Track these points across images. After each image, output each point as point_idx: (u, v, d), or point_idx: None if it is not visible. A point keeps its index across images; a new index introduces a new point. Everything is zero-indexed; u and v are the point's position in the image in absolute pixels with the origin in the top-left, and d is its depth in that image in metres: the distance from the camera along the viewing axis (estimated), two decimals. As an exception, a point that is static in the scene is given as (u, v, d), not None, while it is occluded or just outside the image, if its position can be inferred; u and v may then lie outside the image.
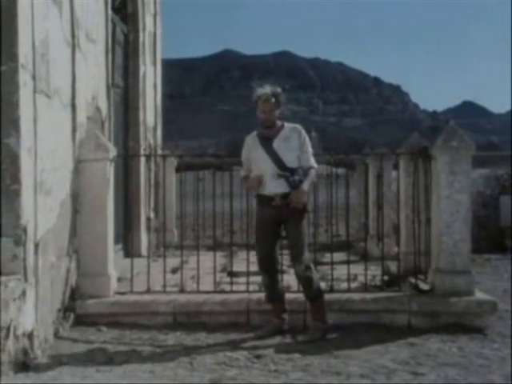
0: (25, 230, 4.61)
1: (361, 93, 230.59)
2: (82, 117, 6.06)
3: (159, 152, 9.64)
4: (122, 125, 8.60)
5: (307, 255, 5.41)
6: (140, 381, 4.28)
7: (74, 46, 5.82)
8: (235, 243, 7.11)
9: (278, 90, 5.52)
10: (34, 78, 4.80)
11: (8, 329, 4.28)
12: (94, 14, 6.56)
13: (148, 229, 8.33)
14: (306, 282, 5.34)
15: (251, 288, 6.00)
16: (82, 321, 5.65)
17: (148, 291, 5.96)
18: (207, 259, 6.36)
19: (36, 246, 4.81)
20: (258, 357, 4.79)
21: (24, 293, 4.56)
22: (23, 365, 4.46)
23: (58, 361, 4.67)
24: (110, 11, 7.21)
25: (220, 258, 6.97)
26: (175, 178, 10.26)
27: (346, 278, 6.15)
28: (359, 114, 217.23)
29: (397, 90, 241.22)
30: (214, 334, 5.42)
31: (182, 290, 5.99)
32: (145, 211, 8.95)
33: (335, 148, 8.21)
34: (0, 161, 4.54)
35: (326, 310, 5.43)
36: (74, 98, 5.82)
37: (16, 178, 4.56)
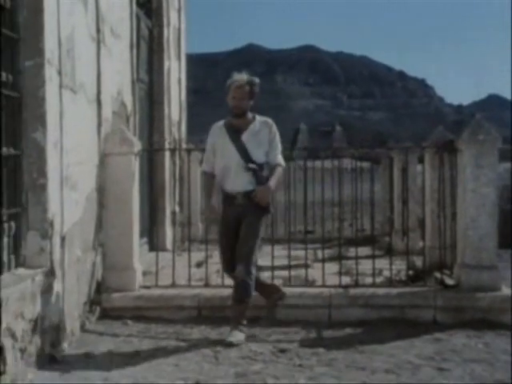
0: (51, 224, 4.65)
1: (385, 86, 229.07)
2: (107, 111, 6.09)
3: (184, 146, 9.67)
4: (147, 119, 8.64)
5: (255, 258, 5.10)
6: (165, 374, 4.31)
7: (99, 42, 5.85)
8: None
9: (256, 80, 5.22)
10: (59, 73, 4.84)
11: (35, 321, 4.34)
12: (118, 9, 6.59)
13: (173, 223, 8.36)
14: (241, 284, 5.04)
15: (276, 282, 5.99)
16: (107, 314, 5.70)
17: (173, 285, 5.98)
18: (232, 253, 6.35)
19: (62, 239, 4.85)
20: (282, 351, 4.80)
21: (51, 286, 4.61)
22: (50, 357, 4.51)
23: (84, 353, 4.72)
24: (134, 6, 7.23)
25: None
26: (200, 172, 10.28)
27: (370, 272, 6.13)
28: (384, 108, 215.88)
29: (422, 83, 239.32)
30: (240, 328, 5.42)
31: (206, 284, 6.01)
32: (170, 205, 8.99)
33: (360, 142, 8.16)
34: (27, 155, 4.59)
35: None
36: (99, 92, 5.86)
37: (42, 173, 4.60)
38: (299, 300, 5.76)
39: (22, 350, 4.14)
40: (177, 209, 9.38)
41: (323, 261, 6.24)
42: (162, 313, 5.70)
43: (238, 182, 5.06)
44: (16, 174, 4.54)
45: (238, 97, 5.11)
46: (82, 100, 5.41)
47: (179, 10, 10.21)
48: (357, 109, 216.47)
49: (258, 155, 5.09)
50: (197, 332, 5.37)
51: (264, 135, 5.16)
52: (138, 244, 6.18)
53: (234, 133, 5.13)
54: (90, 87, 5.65)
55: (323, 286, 5.95)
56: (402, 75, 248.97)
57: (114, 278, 5.88)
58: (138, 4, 7.76)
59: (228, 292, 5.80)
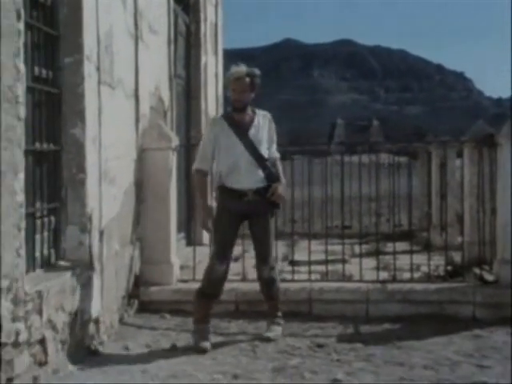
0: (90, 219, 4.71)
1: (423, 80, 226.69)
2: (145, 107, 6.14)
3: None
4: (184, 115, 8.68)
5: (273, 255, 5.12)
6: (203, 368, 4.33)
7: (137, 38, 5.90)
8: (296, 232, 7.11)
9: (256, 71, 5.00)
10: (98, 69, 4.89)
11: (75, 314, 4.40)
12: (156, 5, 6.63)
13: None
14: (269, 283, 5.04)
15: (313, 277, 6.00)
16: (145, 308, 5.76)
17: (210, 279, 6.00)
18: (268, 248, 6.36)
19: (101, 233, 4.91)
20: (320, 346, 4.79)
21: (90, 279, 4.67)
22: (90, 349, 4.57)
23: (123, 346, 4.78)
24: (172, 2, 7.27)
25: (281, 246, 6.96)
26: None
27: (408, 267, 6.08)
28: (421, 102, 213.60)
29: (460, 76, 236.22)
30: (276, 323, 5.43)
31: (243, 279, 6.03)
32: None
33: (397, 136, 8.10)
34: (66, 151, 4.65)
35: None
36: (137, 88, 5.91)
37: (81, 168, 4.66)
38: (336, 295, 5.74)
39: (63, 342, 4.21)
40: (213, 203, 9.41)
41: (360, 256, 6.21)
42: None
43: (250, 179, 4.85)
44: (56, 170, 4.61)
45: (238, 89, 4.88)
46: (120, 95, 5.46)
47: (216, 5, 10.23)
48: (394, 103, 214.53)
49: (264, 150, 4.94)
50: (234, 326, 5.39)
51: (266, 129, 5.00)
52: (175, 238, 6.23)
53: (239, 128, 4.91)
54: (128, 83, 5.71)
55: (361, 281, 5.93)
56: (440, 68, 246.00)
57: (151, 272, 5.93)
58: (176, 0, 7.79)
59: (265, 287, 5.82)
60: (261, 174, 4.87)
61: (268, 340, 4.88)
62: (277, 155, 5.06)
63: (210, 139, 4.97)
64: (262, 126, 4.97)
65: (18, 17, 3.60)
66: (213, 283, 4.89)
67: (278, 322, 5.08)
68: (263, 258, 4.99)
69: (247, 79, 4.87)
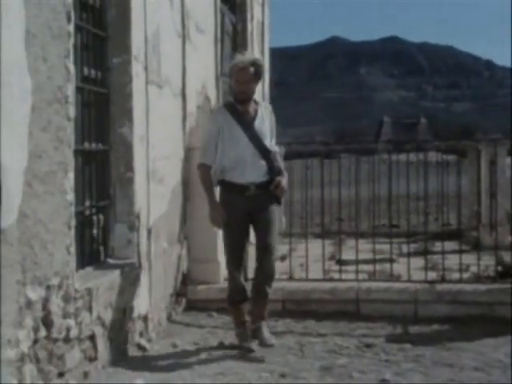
0: (138, 217, 4.76)
1: (472, 76, 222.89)
2: (191, 106, 6.18)
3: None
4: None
5: (277, 247, 4.79)
6: (250, 366, 4.34)
7: (184, 37, 5.94)
8: (343, 231, 7.07)
9: (261, 60, 4.85)
10: (146, 69, 4.94)
11: (124, 311, 4.45)
12: (203, 5, 6.67)
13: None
14: (270, 277, 4.68)
15: (360, 276, 5.95)
16: (193, 306, 5.79)
17: (257, 278, 6.00)
18: (315, 247, 6.35)
19: (149, 232, 4.96)
20: (368, 346, 4.75)
21: (138, 277, 4.72)
22: (139, 346, 4.62)
23: (171, 343, 4.81)
24: (218, 2, 7.30)
25: (328, 245, 6.94)
26: (283, 166, 10.28)
27: (457, 267, 5.97)
28: (470, 99, 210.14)
29: (510, 72, 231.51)
30: (323, 322, 5.40)
31: (290, 278, 6.02)
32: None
33: (445, 134, 7.97)
34: (114, 150, 4.71)
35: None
36: (184, 87, 5.95)
37: (130, 166, 4.71)
38: (384, 295, 5.69)
39: (112, 339, 4.26)
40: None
41: (408, 255, 6.14)
42: (246, 305, 5.73)
43: (253, 172, 4.62)
44: (104, 168, 4.67)
45: (242, 80, 4.59)
46: (167, 95, 5.50)
47: (263, 4, 10.23)
48: (442, 100, 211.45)
49: (267, 143, 4.70)
50: (281, 325, 5.38)
51: (268, 121, 4.76)
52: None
53: (243, 120, 4.65)
54: (176, 82, 5.74)
55: (409, 281, 5.85)
56: (489, 64, 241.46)
57: (199, 271, 5.96)
58: (222, -1, 7.82)
59: (313, 286, 5.81)
60: (264, 167, 4.65)
61: (272, 346, 4.57)
62: (277, 149, 4.83)
63: (213, 131, 4.71)
64: (265, 117, 4.74)
65: (68, 19, 3.66)
66: (237, 290, 4.73)
67: (267, 323, 4.74)
68: (265, 246, 4.63)
69: (251, 69, 4.59)
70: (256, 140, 4.63)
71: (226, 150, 4.63)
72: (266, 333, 4.64)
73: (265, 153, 4.64)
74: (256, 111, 4.71)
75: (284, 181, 4.68)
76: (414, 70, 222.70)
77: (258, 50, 9.82)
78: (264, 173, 4.65)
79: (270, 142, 4.74)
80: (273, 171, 4.65)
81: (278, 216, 4.90)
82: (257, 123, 4.67)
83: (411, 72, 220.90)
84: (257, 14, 9.72)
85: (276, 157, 4.72)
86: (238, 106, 4.69)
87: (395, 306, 5.61)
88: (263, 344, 4.57)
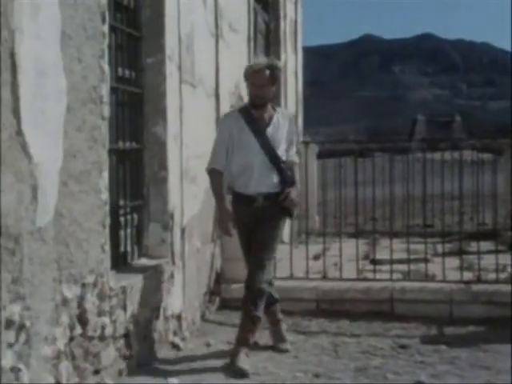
0: (172, 216, 4.78)
1: (507, 74, 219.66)
2: (225, 105, 6.18)
3: (301, 139, 9.68)
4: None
5: (272, 265, 4.53)
6: (284, 365, 4.33)
7: (217, 37, 5.95)
8: (377, 230, 7.02)
9: (278, 63, 4.59)
10: (179, 68, 4.95)
11: (158, 310, 4.47)
12: (236, 4, 6.67)
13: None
14: (258, 294, 4.31)
15: (395, 276, 5.89)
16: (226, 305, 5.79)
17: (291, 277, 6.00)
18: (349, 246, 6.31)
19: (182, 231, 4.97)
20: (402, 347, 4.70)
21: (172, 276, 4.74)
22: (172, 345, 4.64)
23: (204, 342, 4.82)
24: (252, 0, 7.30)
25: (362, 245, 6.89)
26: (316, 165, 10.27)
27: (493, 268, 5.88)
28: (506, 97, 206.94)
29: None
30: (358, 322, 5.36)
31: (324, 277, 5.99)
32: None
33: (480, 132, 7.86)
34: (148, 149, 4.73)
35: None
36: (217, 87, 5.96)
37: (163, 166, 4.73)
38: (419, 295, 5.63)
39: (146, 337, 4.29)
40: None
41: (443, 255, 6.07)
42: (280, 304, 5.72)
43: (262, 182, 4.36)
44: (138, 168, 4.69)
45: (257, 83, 4.39)
46: (200, 94, 5.51)
47: (296, 3, 10.21)
48: (477, 98, 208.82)
49: (281, 152, 4.43)
50: (315, 324, 5.36)
51: (285, 130, 4.49)
52: (255, 236, 6.23)
53: (256, 125, 4.41)
54: (209, 81, 5.76)
55: (444, 281, 5.78)
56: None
57: (232, 269, 5.96)
58: (255, -2, 7.82)
59: (346, 285, 5.78)
60: (275, 177, 4.38)
61: (244, 374, 4.09)
62: (295, 159, 4.58)
63: (223, 135, 4.47)
64: (282, 125, 4.48)
65: (103, 20, 3.69)
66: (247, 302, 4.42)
67: (247, 352, 4.31)
68: (259, 264, 4.32)
69: (267, 72, 4.39)
70: (267, 147, 4.37)
71: (235, 157, 4.41)
72: (241, 360, 4.17)
73: (276, 162, 4.38)
74: (271, 117, 4.47)
75: (294, 193, 4.38)
76: (449, 68, 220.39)
77: (290, 49, 9.81)
78: (274, 183, 4.38)
79: (289, 152, 4.49)
80: (285, 182, 4.38)
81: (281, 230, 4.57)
82: (270, 130, 4.42)
83: (446, 70, 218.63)
84: (290, 13, 9.71)
85: (291, 167, 4.48)
86: (252, 110, 4.47)
87: (430, 307, 5.54)
88: (234, 371, 4.10)
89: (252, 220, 4.37)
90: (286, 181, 4.39)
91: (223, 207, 4.40)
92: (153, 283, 4.39)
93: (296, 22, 10.21)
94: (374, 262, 6.35)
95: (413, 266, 6.07)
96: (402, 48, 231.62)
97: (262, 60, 4.63)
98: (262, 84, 4.39)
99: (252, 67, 4.49)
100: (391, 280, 5.84)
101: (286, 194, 4.35)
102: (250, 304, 4.31)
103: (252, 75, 4.43)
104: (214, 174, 4.47)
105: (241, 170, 4.40)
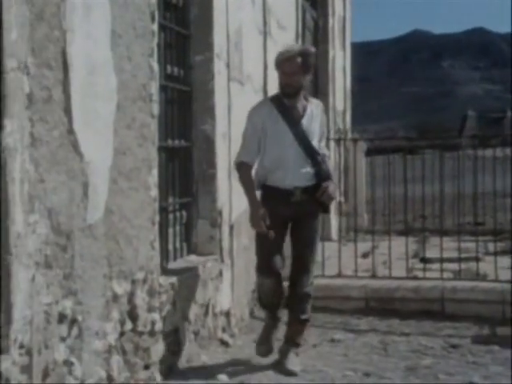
0: (220, 213, 4.79)
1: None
2: (273, 103, 6.17)
3: (349, 136, 9.61)
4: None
5: (315, 265, 4.35)
6: (334, 364, 4.30)
7: (265, 34, 5.94)
8: (427, 228, 6.92)
9: (311, 49, 4.31)
10: (228, 66, 4.96)
11: (207, 306, 4.50)
12: (284, 1, 6.66)
13: (338, 213, 8.34)
14: (305, 299, 4.23)
15: (445, 275, 5.80)
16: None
17: (339, 275, 5.97)
18: (398, 244, 6.25)
19: (231, 228, 4.98)
20: (454, 346, 4.62)
21: (221, 273, 4.76)
22: (221, 341, 4.66)
23: (253, 339, 4.80)
24: (300, -2, 7.28)
25: (411, 243, 6.81)
26: (365, 162, 10.18)
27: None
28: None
29: None
30: (407, 321, 5.30)
31: (373, 275, 5.94)
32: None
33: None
34: (197, 146, 4.76)
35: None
36: (265, 84, 5.95)
37: (212, 163, 4.75)
38: (470, 294, 5.53)
39: (195, 333, 4.31)
40: (342, 199, 9.35)
41: (495, 254, 5.95)
42: (328, 302, 5.68)
43: (298, 175, 4.14)
44: (187, 165, 4.72)
45: (288, 71, 4.12)
46: (249, 91, 5.51)
47: (344, -1, 10.15)
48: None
49: (315, 144, 4.23)
50: (364, 323, 5.32)
51: (318, 120, 4.28)
52: (303, 234, 6.21)
53: (290, 116, 4.18)
54: (257, 79, 5.75)
55: (496, 280, 5.67)
56: None
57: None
58: (303, -5, 7.79)
59: (396, 284, 5.71)
60: (310, 170, 4.16)
61: (293, 374, 4.05)
62: (326, 152, 4.40)
63: (255, 127, 4.20)
64: (316, 116, 4.26)
65: (153, 18, 3.72)
66: (266, 297, 4.30)
67: (297, 351, 4.26)
68: (305, 266, 4.20)
69: (299, 59, 4.10)
70: (303, 139, 4.16)
71: (268, 149, 4.16)
72: (291, 360, 4.14)
73: (312, 154, 4.17)
74: (305, 108, 4.24)
75: (332, 186, 4.19)
76: (500, 62, 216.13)
77: (339, 45, 9.75)
78: (310, 177, 4.17)
79: (320, 144, 4.31)
80: (320, 175, 4.17)
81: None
82: (305, 121, 4.20)
83: (497, 64, 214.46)
84: (338, 9, 9.65)
85: (325, 160, 4.28)
86: (285, 99, 4.21)
87: (481, 306, 5.43)
88: (283, 371, 4.07)
89: (288, 215, 4.17)
90: (321, 174, 4.18)
91: (256, 202, 4.14)
92: (201, 280, 4.41)
93: (344, 18, 10.14)
94: (424, 260, 6.26)
95: (464, 265, 5.97)
96: (452, 42, 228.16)
97: (294, 47, 4.36)
98: (293, 72, 4.11)
99: (283, 55, 4.18)
100: (441, 279, 5.75)
101: (323, 189, 4.13)
102: (296, 309, 4.23)
103: (282, 63, 4.15)
104: (244, 168, 4.21)
105: (275, 163, 4.16)
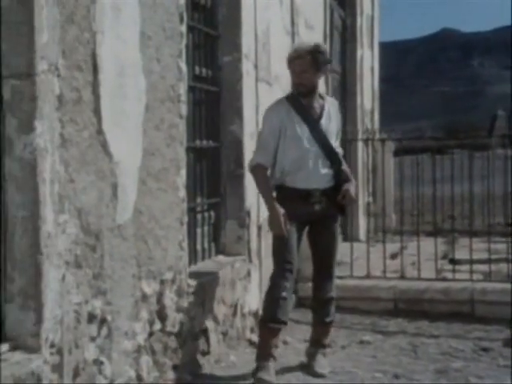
0: (248, 214, 4.79)
1: None
2: (301, 103, 6.15)
3: (377, 136, 9.55)
4: (340, 109, 8.64)
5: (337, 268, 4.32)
6: (363, 365, 4.27)
7: (293, 34, 5.93)
8: (456, 229, 6.85)
9: (321, 46, 4.12)
10: (256, 66, 4.96)
11: (235, 307, 4.50)
12: (312, 1, 6.64)
13: (366, 213, 8.30)
14: (329, 303, 4.21)
15: (475, 277, 5.74)
16: (303, 303, 5.74)
17: (368, 276, 5.93)
18: (427, 245, 6.19)
19: (259, 228, 4.98)
20: (484, 349, 4.56)
21: (249, 273, 4.76)
22: (250, 342, 4.65)
23: (281, 340, 4.78)
24: (328, -3, 7.25)
25: (440, 244, 6.74)
26: (393, 162, 10.11)
27: None
28: None
29: None
30: (437, 323, 5.24)
31: (402, 276, 5.89)
32: (363, 196, 8.93)
33: None
34: (225, 147, 4.76)
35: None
36: (293, 84, 5.93)
37: (240, 164, 4.75)
38: (501, 296, 5.44)
39: (224, 334, 4.32)
40: (370, 199, 9.30)
41: (527, 255, 5.86)
42: (357, 303, 5.65)
43: (318, 177, 4.01)
44: (215, 166, 4.73)
45: (298, 70, 4.00)
46: (276, 92, 5.49)
47: (372, -2, 10.09)
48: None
49: (334, 144, 4.12)
50: (393, 324, 5.28)
51: (335, 119, 4.17)
52: (331, 234, 6.18)
53: (308, 115, 4.05)
54: (285, 79, 5.72)
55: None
56: None
57: (308, 268, 5.89)
58: (332, -6, 7.76)
59: (425, 285, 5.66)
60: (329, 171, 4.06)
61: (322, 376, 4.03)
62: (341, 151, 4.25)
63: (272, 127, 4.03)
64: (333, 115, 4.15)
65: (181, 20, 3.73)
66: (276, 306, 3.97)
67: (325, 352, 4.26)
68: (328, 271, 4.17)
69: (308, 57, 3.97)
70: (322, 140, 4.03)
71: (287, 150, 4.00)
72: (319, 362, 4.13)
73: (331, 155, 4.06)
74: (323, 107, 4.11)
75: (352, 189, 4.09)
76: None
77: (367, 45, 9.70)
78: (329, 178, 4.06)
79: (336, 143, 4.19)
80: (339, 176, 4.07)
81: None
82: (323, 121, 4.08)
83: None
84: (366, 8, 9.60)
85: (342, 160, 4.19)
86: (301, 99, 4.08)
87: (513, 309, 5.36)
88: (312, 373, 4.06)
89: (306, 218, 4.05)
90: (340, 175, 4.08)
91: (274, 205, 3.98)
92: (230, 280, 4.42)
93: (373, 17, 10.09)
94: (453, 261, 6.19)
95: (494, 267, 5.89)
96: (482, 41, 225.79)
97: (305, 44, 4.15)
98: (303, 70, 3.98)
99: (293, 53, 4.06)
100: (471, 280, 5.69)
101: (344, 192, 4.02)
102: (321, 312, 4.22)
103: (293, 61, 4.03)
104: (260, 170, 4.03)
105: (295, 165, 4.00)
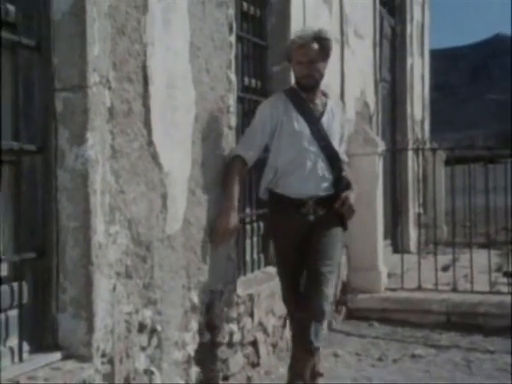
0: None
1: None
2: (350, 112, 6.11)
3: (427, 145, 9.42)
4: (390, 119, 8.55)
5: (335, 279, 3.57)
6: (415, 379, 4.18)
7: (342, 43, 5.90)
8: (511, 241, 6.68)
9: (325, 32, 3.64)
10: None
11: (285, 318, 4.46)
12: (362, 9, 6.59)
13: (417, 224, 8.18)
14: (317, 316, 3.42)
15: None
16: (353, 315, 5.71)
17: (419, 288, 5.83)
18: (479, 257, 6.06)
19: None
20: (542, 366, 4.42)
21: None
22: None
23: (332, 352, 4.75)
24: (377, 5, 7.19)
25: (494, 256, 6.59)
26: (444, 172, 9.96)
27: None
28: None
29: None
30: (491, 338, 5.11)
31: (454, 289, 5.77)
32: (413, 207, 8.80)
33: None
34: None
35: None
36: (342, 93, 5.90)
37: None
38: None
39: (274, 345, 4.29)
40: (420, 210, 9.16)
41: None
42: (408, 316, 5.56)
43: (314, 183, 3.54)
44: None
45: (305, 60, 3.52)
46: (326, 102, 5.47)
47: (423, 5, 9.98)
48: None
49: (336, 147, 3.64)
50: (446, 338, 5.16)
51: (338, 119, 3.69)
52: (382, 245, 6.12)
53: (309, 112, 3.59)
54: (334, 88, 5.70)
55: None
56: None
57: (359, 279, 5.87)
58: (381, 2, 7.70)
59: (478, 298, 5.53)
60: (329, 177, 3.57)
61: None
62: (345, 158, 3.81)
63: (264, 121, 3.59)
64: (336, 114, 3.68)
65: (230, 30, 3.73)
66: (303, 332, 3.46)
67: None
68: (315, 274, 3.45)
69: (315, 45, 3.52)
70: (323, 139, 3.56)
71: (283, 149, 3.55)
72: None
73: (332, 157, 3.58)
74: (325, 104, 3.65)
75: (352, 197, 3.55)
76: None
77: (417, 53, 9.59)
78: (328, 185, 3.57)
79: (340, 149, 3.71)
80: (339, 184, 3.58)
81: (342, 243, 3.72)
82: (325, 119, 3.61)
83: None
84: (416, 15, 9.50)
85: (344, 167, 3.70)
86: (302, 93, 3.62)
87: None
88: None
89: (301, 230, 3.53)
90: (341, 182, 3.58)
91: (231, 204, 3.47)
92: (279, 291, 4.38)
93: (423, 24, 9.97)
94: (508, 274, 6.04)
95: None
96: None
97: (308, 31, 3.64)
98: (311, 60, 3.52)
99: (295, 42, 3.58)
100: (527, 294, 5.54)
101: (343, 199, 3.52)
102: (304, 325, 3.43)
103: (297, 52, 3.55)
104: (236, 163, 3.55)
105: (290, 165, 3.55)
